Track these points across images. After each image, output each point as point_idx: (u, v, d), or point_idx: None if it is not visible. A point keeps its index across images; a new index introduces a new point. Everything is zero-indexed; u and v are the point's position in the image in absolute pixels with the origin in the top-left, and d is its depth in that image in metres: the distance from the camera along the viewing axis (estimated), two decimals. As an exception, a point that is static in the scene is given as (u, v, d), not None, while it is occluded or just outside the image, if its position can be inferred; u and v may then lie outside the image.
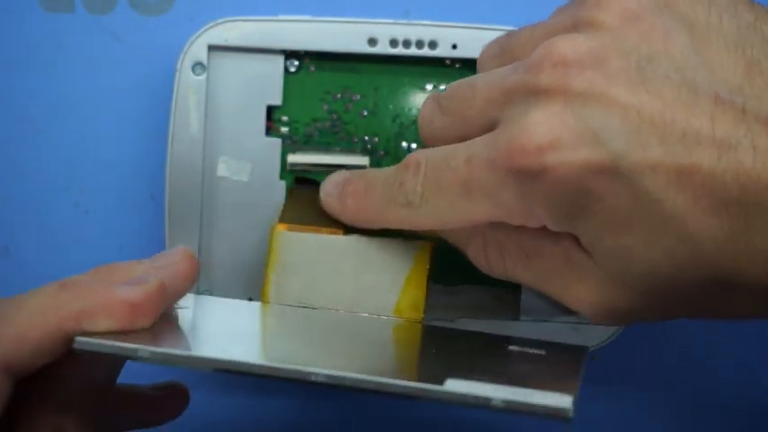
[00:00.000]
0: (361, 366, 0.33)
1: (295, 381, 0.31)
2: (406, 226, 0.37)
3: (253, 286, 0.42)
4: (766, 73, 0.32)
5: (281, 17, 0.42)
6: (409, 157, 0.36)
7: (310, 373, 0.31)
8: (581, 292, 0.35)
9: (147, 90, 0.44)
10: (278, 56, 0.42)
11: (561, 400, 0.30)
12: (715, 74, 0.32)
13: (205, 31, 0.42)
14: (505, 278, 0.37)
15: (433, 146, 0.36)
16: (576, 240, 0.34)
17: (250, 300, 0.42)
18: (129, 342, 0.32)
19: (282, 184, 0.42)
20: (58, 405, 0.33)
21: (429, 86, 0.42)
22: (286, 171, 0.42)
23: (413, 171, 0.36)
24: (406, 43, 0.42)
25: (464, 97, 0.35)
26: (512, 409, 0.30)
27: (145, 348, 0.32)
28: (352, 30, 0.41)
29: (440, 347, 0.39)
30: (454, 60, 0.42)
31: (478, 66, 0.38)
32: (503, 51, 0.37)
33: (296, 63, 0.42)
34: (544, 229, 0.35)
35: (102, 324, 0.32)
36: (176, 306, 0.36)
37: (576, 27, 0.34)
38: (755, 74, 0.32)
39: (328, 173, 0.41)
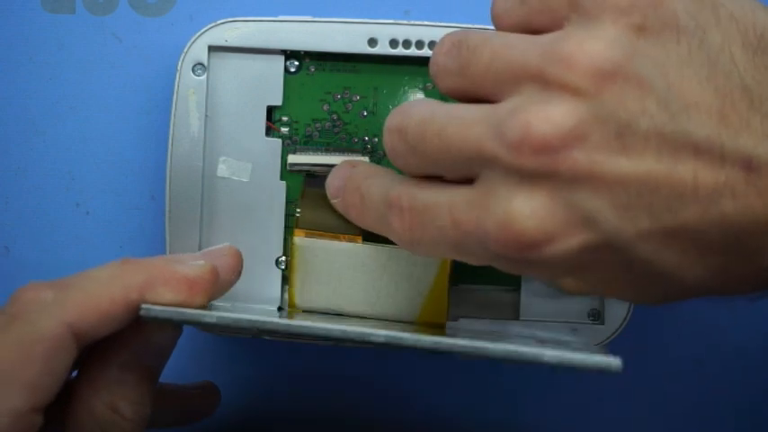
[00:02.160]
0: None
1: (352, 343, 0.33)
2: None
3: (253, 286, 0.42)
4: (738, 104, 0.31)
5: (281, 17, 0.42)
6: (391, 194, 0.36)
7: (370, 335, 0.32)
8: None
9: (147, 90, 0.44)
10: (278, 56, 0.42)
11: (609, 358, 0.32)
12: (691, 119, 0.31)
13: (205, 31, 0.42)
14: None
15: (404, 168, 0.36)
16: None
17: (279, 309, 0.42)
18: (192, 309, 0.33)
19: (283, 185, 0.42)
20: (112, 384, 0.35)
21: (429, 86, 0.42)
22: (287, 171, 0.42)
23: (397, 215, 0.35)
24: (406, 43, 0.42)
25: (435, 146, 0.34)
26: (563, 364, 0.31)
27: (211, 314, 0.33)
28: (352, 30, 0.42)
29: (472, 336, 0.39)
30: (454, 60, 0.42)
31: (433, 75, 0.35)
32: (460, 72, 0.34)
33: (296, 63, 0.42)
34: None
35: (164, 296, 0.34)
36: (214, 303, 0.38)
37: (545, 84, 0.32)
38: (729, 109, 0.31)
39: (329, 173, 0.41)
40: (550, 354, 0.31)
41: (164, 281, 0.35)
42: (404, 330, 0.38)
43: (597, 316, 0.42)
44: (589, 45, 0.32)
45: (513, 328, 0.42)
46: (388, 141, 0.36)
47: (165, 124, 0.42)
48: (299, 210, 0.41)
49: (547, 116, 0.32)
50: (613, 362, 0.31)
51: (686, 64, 0.32)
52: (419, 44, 0.42)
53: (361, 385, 0.46)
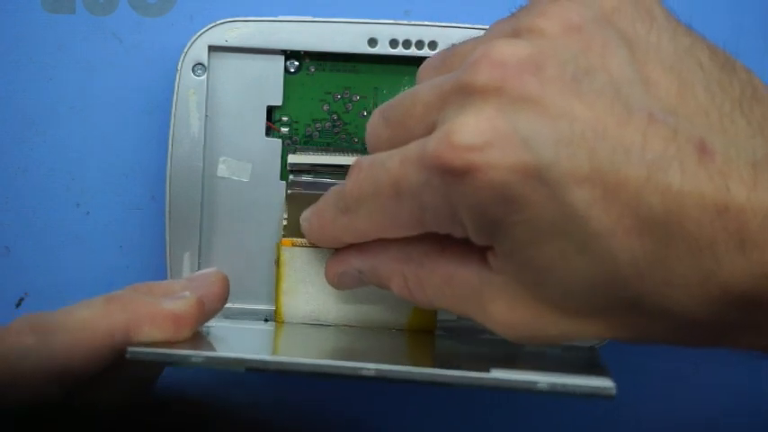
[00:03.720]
0: (400, 362, 0.33)
1: (345, 377, 0.32)
2: (349, 237, 0.37)
3: (252, 286, 0.42)
4: (699, 97, 0.31)
5: (281, 17, 0.42)
6: (355, 161, 0.36)
7: (361, 368, 0.32)
8: (496, 313, 0.34)
9: (147, 91, 0.44)
10: (278, 56, 0.42)
11: (604, 382, 0.31)
12: (650, 92, 0.31)
13: (205, 31, 0.42)
14: (431, 308, 0.37)
15: (376, 145, 0.36)
16: (487, 263, 0.34)
17: (266, 320, 0.42)
18: (179, 349, 0.33)
19: (283, 185, 0.42)
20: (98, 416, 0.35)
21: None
22: (287, 171, 0.42)
23: (354, 175, 0.36)
24: (406, 43, 0.42)
25: (406, 106, 0.35)
26: (557, 391, 0.31)
27: (198, 354, 0.33)
28: (352, 30, 0.42)
29: (460, 351, 0.39)
30: (454, 61, 0.42)
31: (418, 77, 0.37)
32: (443, 63, 0.36)
33: (296, 63, 0.42)
34: (458, 252, 0.35)
35: (149, 334, 0.34)
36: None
37: (516, 33, 0.33)
38: (689, 97, 0.31)
39: (328, 173, 0.41)
40: (544, 381, 0.31)
41: (149, 319, 0.34)
42: (393, 347, 0.38)
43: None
44: (564, 2, 0.33)
45: None
46: (369, 123, 0.37)
47: (165, 124, 0.42)
48: (285, 216, 0.41)
49: (509, 43, 0.32)
50: (607, 385, 0.31)
51: (653, 49, 0.32)
52: (419, 44, 0.42)
53: (355, 393, 0.46)
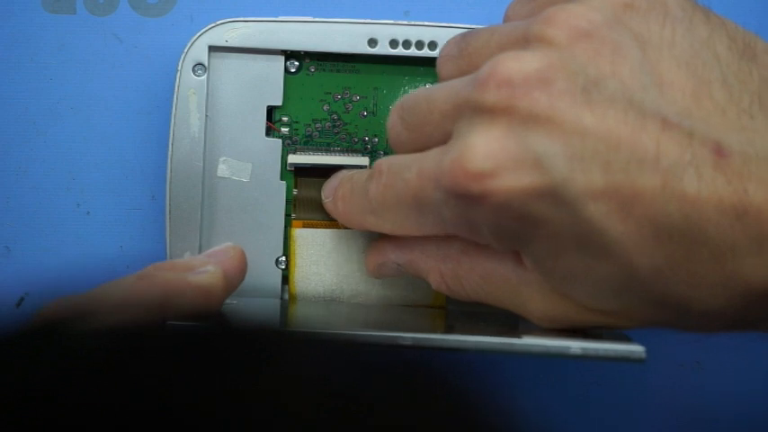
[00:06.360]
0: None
1: (381, 347, 0.33)
2: (378, 231, 0.38)
3: (253, 286, 0.42)
4: (715, 96, 0.31)
5: (281, 18, 0.42)
6: (376, 163, 0.37)
7: (398, 337, 0.33)
8: (533, 309, 0.35)
9: (148, 91, 0.44)
10: (278, 56, 0.42)
11: (635, 347, 0.32)
12: (664, 95, 0.31)
13: (206, 31, 0.42)
14: (468, 301, 0.37)
15: (398, 145, 0.37)
16: (522, 261, 0.35)
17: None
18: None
19: (283, 185, 0.42)
20: None
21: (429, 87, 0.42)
22: (287, 171, 0.42)
23: (376, 179, 0.36)
24: (406, 44, 0.42)
25: (423, 112, 0.35)
26: (588, 356, 0.32)
27: None
28: (352, 30, 0.42)
29: (477, 324, 0.40)
30: (454, 61, 0.42)
31: (437, 66, 0.37)
32: (460, 54, 0.36)
33: (296, 63, 0.42)
34: (495, 250, 0.35)
35: (181, 308, 0.34)
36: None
37: (526, 41, 0.33)
38: (704, 96, 0.31)
39: (329, 173, 0.41)
40: (576, 345, 0.32)
41: (180, 294, 0.34)
42: (412, 320, 0.38)
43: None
44: (573, 6, 0.32)
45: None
46: (389, 120, 0.37)
47: (165, 124, 0.42)
48: (294, 197, 0.41)
49: (516, 58, 0.32)
50: (637, 350, 0.32)
51: (667, 46, 0.32)
52: (419, 44, 0.42)
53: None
